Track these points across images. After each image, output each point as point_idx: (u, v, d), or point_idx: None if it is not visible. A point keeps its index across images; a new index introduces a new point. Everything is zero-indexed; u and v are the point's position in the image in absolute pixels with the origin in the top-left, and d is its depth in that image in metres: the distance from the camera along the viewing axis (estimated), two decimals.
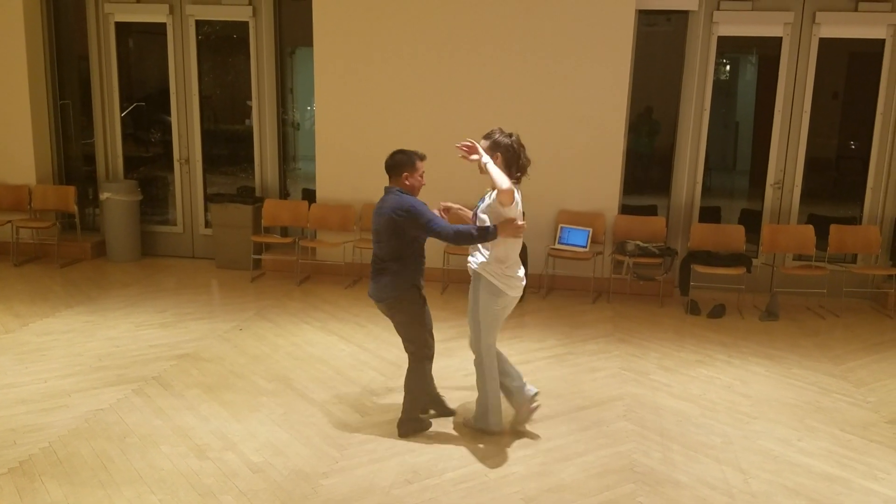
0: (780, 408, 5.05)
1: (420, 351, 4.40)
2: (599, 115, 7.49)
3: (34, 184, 8.44)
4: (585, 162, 7.59)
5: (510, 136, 4.24)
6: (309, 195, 8.42)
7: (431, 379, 4.60)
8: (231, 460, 4.14)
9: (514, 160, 4.22)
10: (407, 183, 4.28)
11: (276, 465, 4.10)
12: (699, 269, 7.17)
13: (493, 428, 4.48)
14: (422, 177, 4.34)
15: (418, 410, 4.53)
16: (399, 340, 4.49)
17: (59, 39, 8.66)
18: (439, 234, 4.15)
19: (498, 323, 4.38)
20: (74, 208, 8.35)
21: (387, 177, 4.33)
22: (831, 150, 7.97)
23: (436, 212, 4.36)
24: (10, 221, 8.15)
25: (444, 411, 4.73)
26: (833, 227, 7.43)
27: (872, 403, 5.17)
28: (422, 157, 4.33)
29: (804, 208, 7.83)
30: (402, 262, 4.25)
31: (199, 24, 8.37)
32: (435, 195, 7.64)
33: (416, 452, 4.28)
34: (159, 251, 8.84)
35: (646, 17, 7.71)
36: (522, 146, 4.27)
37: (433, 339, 4.45)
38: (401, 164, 4.28)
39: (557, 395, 5.12)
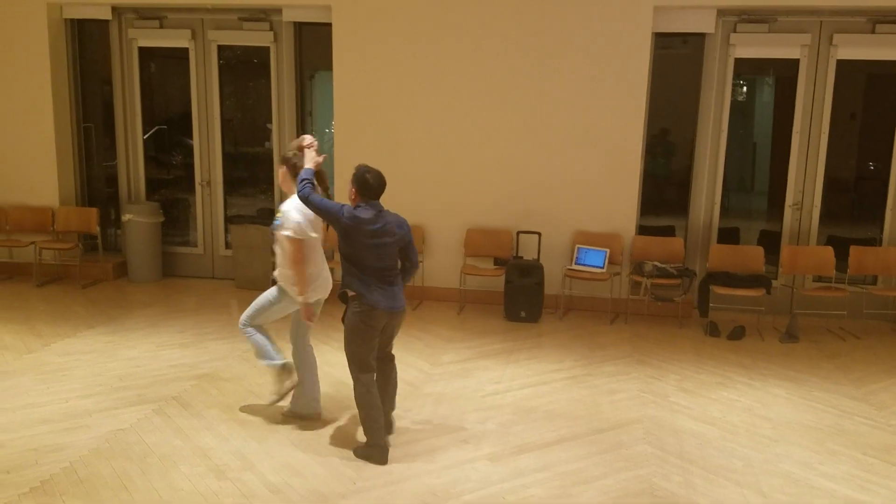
0: (802, 431, 5.01)
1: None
2: (616, 136, 7.52)
3: (57, 206, 8.57)
4: (602, 183, 7.61)
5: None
6: None
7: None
8: (250, 480, 4.16)
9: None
10: None
11: (294, 485, 4.12)
12: (718, 290, 7.14)
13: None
14: None
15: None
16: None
17: (84, 64, 8.83)
18: None
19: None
20: (97, 230, 8.46)
21: (389, 197, 4.47)
22: (850, 170, 7.93)
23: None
24: (33, 242, 8.27)
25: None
26: (853, 249, 7.38)
27: (895, 426, 5.11)
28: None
29: (823, 229, 7.79)
30: None
31: (220, 48, 8.51)
32: (454, 213, 7.74)
33: (433, 474, 4.28)
34: (180, 272, 8.93)
35: (662, 40, 7.75)
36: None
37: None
38: None
39: (576, 417, 5.11)
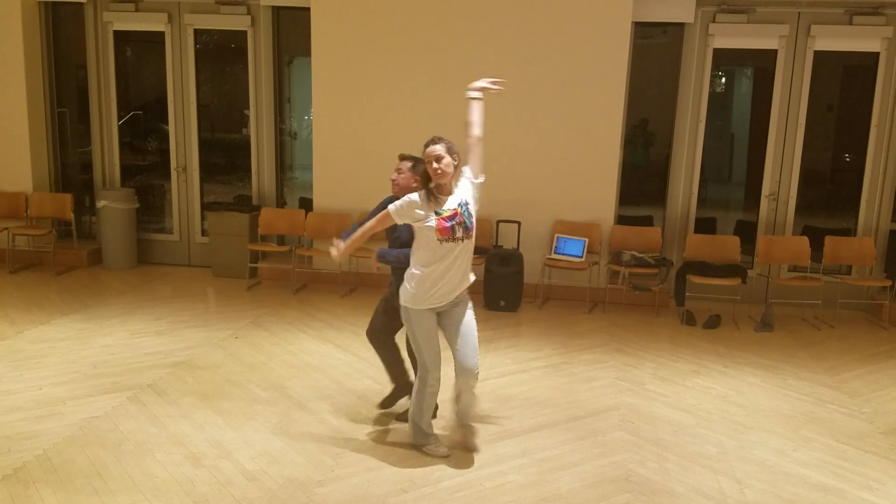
0: (776, 418, 5.06)
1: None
2: (596, 126, 7.53)
3: (31, 191, 8.44)
4: (582, 172, 7.62)
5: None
6: (305, 204, 8.43)
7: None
8: (226, 468, 4.13)
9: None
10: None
11: (270, 473, 4.10)
12: (694, 279, 7.19)
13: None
14: (398, 173, 4.48)
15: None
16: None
17: (58, 48, 8.68)
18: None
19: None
20: (71, 216, 8.35)
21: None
22: (826, 162, 8.02)
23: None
24: (6, 229, 8.14)
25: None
26: (828, 239, 7.46)
27: (867, 414, 5.18)
28: (402, 157, 4.58)
29: (799, 220, 7.86)
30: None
31: (197, 32, 8.40)
32: None
33: (411, 461, 4.27)
34: (155, 259, 8.83)
35: (641, 30, 7.76)
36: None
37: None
38: None
39: (553, 405, 5.13)
